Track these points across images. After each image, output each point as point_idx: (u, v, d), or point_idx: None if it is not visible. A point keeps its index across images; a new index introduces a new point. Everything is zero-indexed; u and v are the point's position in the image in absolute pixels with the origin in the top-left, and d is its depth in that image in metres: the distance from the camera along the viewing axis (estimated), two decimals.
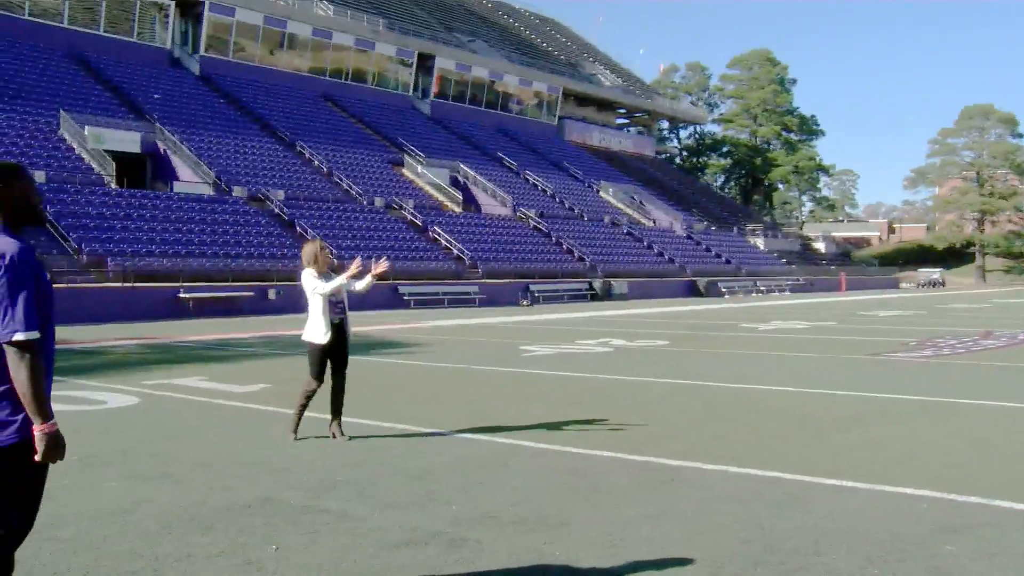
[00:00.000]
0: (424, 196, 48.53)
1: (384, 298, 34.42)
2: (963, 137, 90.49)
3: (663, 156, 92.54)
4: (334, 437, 7.71)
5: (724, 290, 51.80)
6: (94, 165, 36.12)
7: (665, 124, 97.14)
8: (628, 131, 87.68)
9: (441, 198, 49.44)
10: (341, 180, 45.32)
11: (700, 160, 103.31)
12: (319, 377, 7.72)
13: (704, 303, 41.46)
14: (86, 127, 37.46)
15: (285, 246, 35.34)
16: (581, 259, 47.82)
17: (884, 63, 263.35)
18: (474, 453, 7.16)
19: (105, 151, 36.97)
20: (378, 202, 44.13)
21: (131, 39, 48.60)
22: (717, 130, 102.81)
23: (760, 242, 69.01)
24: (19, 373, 3.07)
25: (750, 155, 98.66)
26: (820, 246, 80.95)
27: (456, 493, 5.85)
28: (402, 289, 35.58)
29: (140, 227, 32.16)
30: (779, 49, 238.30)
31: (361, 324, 24.31)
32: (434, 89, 63.83)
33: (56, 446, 3.13)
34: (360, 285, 7.87)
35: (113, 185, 35.63)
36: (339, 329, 7.72)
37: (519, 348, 16.95)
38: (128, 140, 39.08)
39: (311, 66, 56.60)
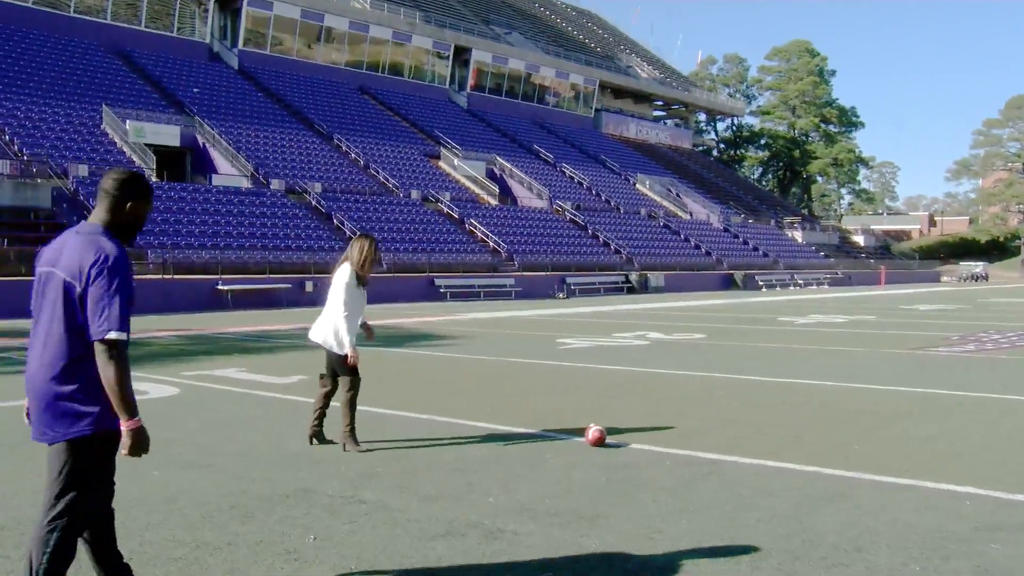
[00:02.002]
0: (460, 189, 48.61)
1: (420, 291, 34.57)
2: (1009, 128, 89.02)
3: (700, 148, 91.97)
4: (342, 446, 7.08)
5: (761, 283, 51.40)
6: (135, 158, 36.56)
7: (702, 116, 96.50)
8: (665, 123, 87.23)
9: (477, 191, 49.50)
10: (378, 173, 45.51)
11: (737, 152, 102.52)
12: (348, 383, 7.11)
13: (741, 296, 41.16)
14: (127, 121, 37.95)
15: (322, 239, 35.58)
16: (617, 252, 47.67)
17: (926, 53, 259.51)
18: (512, 446, 7.17)
19: (146, 144, 37.40)
20: (415, 195, 44.27)
21: (171, 34, 49.16)
22: (755, 122, 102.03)
23: (798, 235, 68.38)
24: (108, 370, 3.22)
25: (788, 147, 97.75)
26: (859, 239, 80.00)
27: (494, 485, 5.86)
28: (438, 282, 35.68)
29: (179, 219, 32.54)
30: (818, 40, 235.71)
31: (397, 316, 24.42)
32: (470, 82, 63.89)
33: (142, 441, 3.30)
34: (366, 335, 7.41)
35: (153, 178, 36.05)
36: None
37: (556, 341, 16.93)
38: (168, 134, 39.53)
39: (348, 59, 56.89)
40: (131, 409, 3.26)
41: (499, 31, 69.46)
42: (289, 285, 31.00)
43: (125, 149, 37.09)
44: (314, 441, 7.21)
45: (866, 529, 4.88)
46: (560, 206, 51.02)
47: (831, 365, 13.10)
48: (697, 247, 54.41)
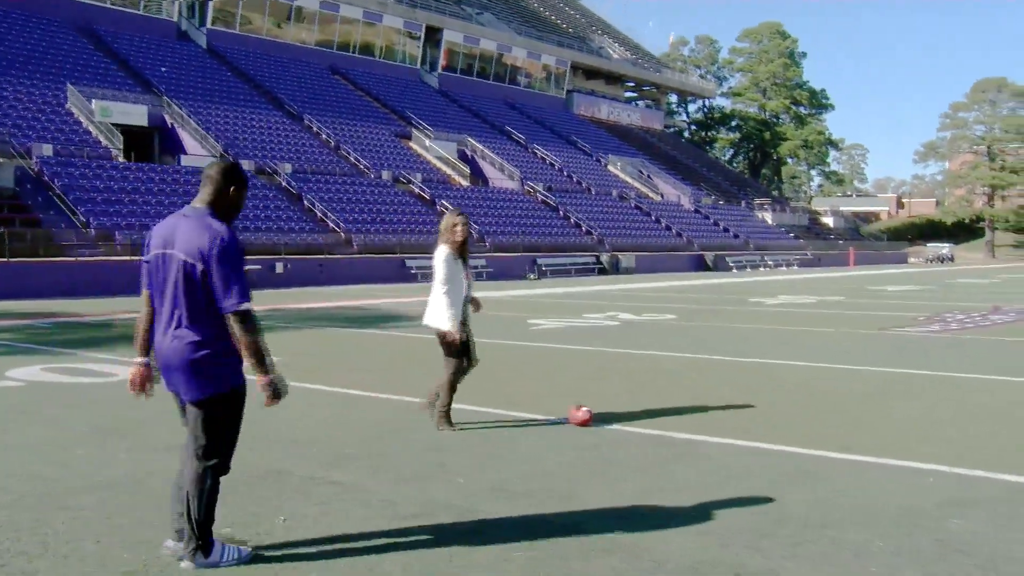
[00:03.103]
0: (432, 170, 48.44)
1: (392, 272, 34.47)
2: (975, 111, 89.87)
3: (672, 130, 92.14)
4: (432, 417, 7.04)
5: (732, 264, 51.71)
6: (101, 138, 36.10)
7: (674, 97, 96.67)
8: (637, 104, 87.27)
9: (449, 172, 49.35)
10: (349, 153, 45.24)
11: (709, 134, 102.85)
12: (457, 356, 6.93)
13: (712, 277, 41.40)
14: (93, 100, 37.40)
15: (292, 220, 35.36)
16: (589, 233, 47.76)
17: (895, 37, 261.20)
18: (486, 427, 7.19)
19: (112, 124, 36.91)
20: (386, 175, 44.08)
21: (138, 12, 48.47)
22: (726, 104, 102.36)
23: (768, 216, 68.81)
24: (245, 337, 3.80)
25: (759, 129, 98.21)
26: (829, 220, 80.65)
27: (467, 466, 5.89)
28: (409, 263, 35.59)
29: (148, 200, 32.17)
30: (789, 22, 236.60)
31: (369, 297, 24.36)
32: (442, 62, 63.55)
33: (279, 390, 3.94)
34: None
35: (120, 159, 35.61)
36: (464, 324, 6.94)
37: (527, 322, 16.97)
38: (135, 113, 39.01)
39: (318, 39, 56.36)
40: (267, 366, 3.84)
41: (471, 11, 69.08)
42: (259, 266, 30.77)
43: (91, 129, 36.61)
44: (443, 427, 6.94)
45: (833, 507, 4.95)
46: (532, 187, 51.00)
47: (800, 345, 13.23)
48: (668, 228, 54.61)
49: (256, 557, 4.12)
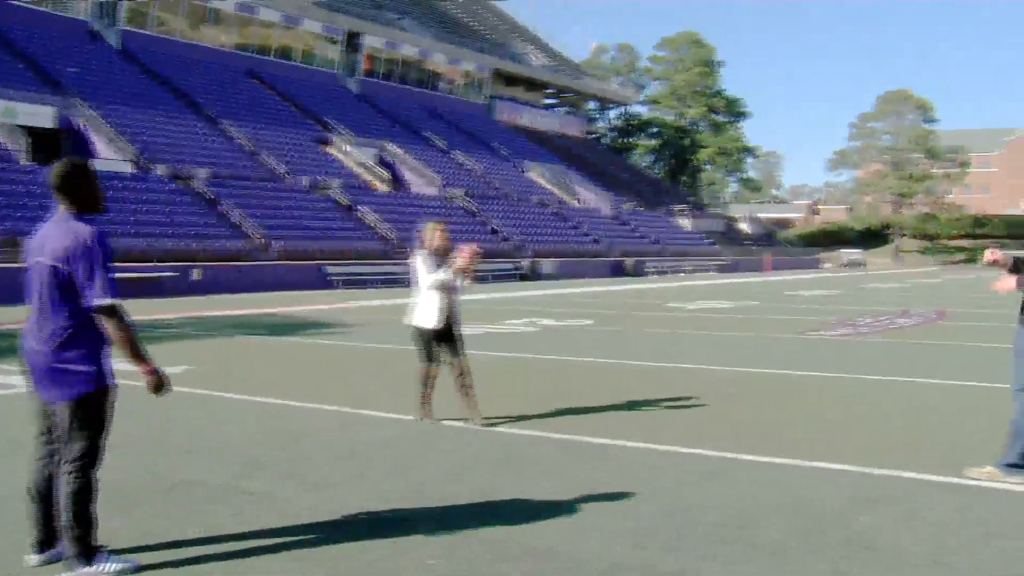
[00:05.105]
0: (351, 175, 48.03)
1: (310, 279, 34.05)
2: (882, 121, 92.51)
3: (592, 136, 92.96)
4: (468, 421, 7.38)
5: (651, 270, 52.37)
6: (4, 140, 34.93)
7: (594, 104, 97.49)
8: (557, 111, 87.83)
9: (369, 177, 48.99)
10: (267, 159, 44.58)
11: (628, 141, 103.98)
12: (429, 359, 7.51)
13: (631, 283, 41.87)
14: None
15: (209, 226, 34.69)
16: (509, 239, 47.87)
17: (809, 48, 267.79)
18: (403, 432, 7.16)
19: (17, 126, 35.75)
20: (304, 181, 43.53)
21: (48, 10, 47.04)
22: (645, 111, 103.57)
23: (686, 223, 69.81)
24: (116, 332, 3.87)
25: (678, 136, 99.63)
26: (745, 227, 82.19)
27: (385, 471, 5.84)
28: (328, 269, 35.22)
29: (55, 204, 31.13)
30: (708, 31, 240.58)
31: (286, 304, 24.03)
32: (362, 67, 63.08)
33: (160, 381, 4.02)
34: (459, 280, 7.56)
35: (25, 161, 34.51)
36: (448, 314, 7.47)
37: None
38: (42, 115, 37.83)
39: (236, 42, 55.46)
40: (143, 358, 3.91)
41: (392, 16, 68.74)
42: (175, 273, 30.13)
43: None
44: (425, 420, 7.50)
45: (747, 507, 5.04)
46: (452, 193, 50.92)
47: (716, 349, 13.45)
48: (588, 234, 55.05)
49: (162, 568, 4.02)
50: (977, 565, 4.14)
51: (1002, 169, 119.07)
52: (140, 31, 50.38)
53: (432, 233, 7.48)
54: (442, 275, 7.32)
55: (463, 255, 7.34)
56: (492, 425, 7.31)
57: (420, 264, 7.43)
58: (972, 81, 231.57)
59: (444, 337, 7.50)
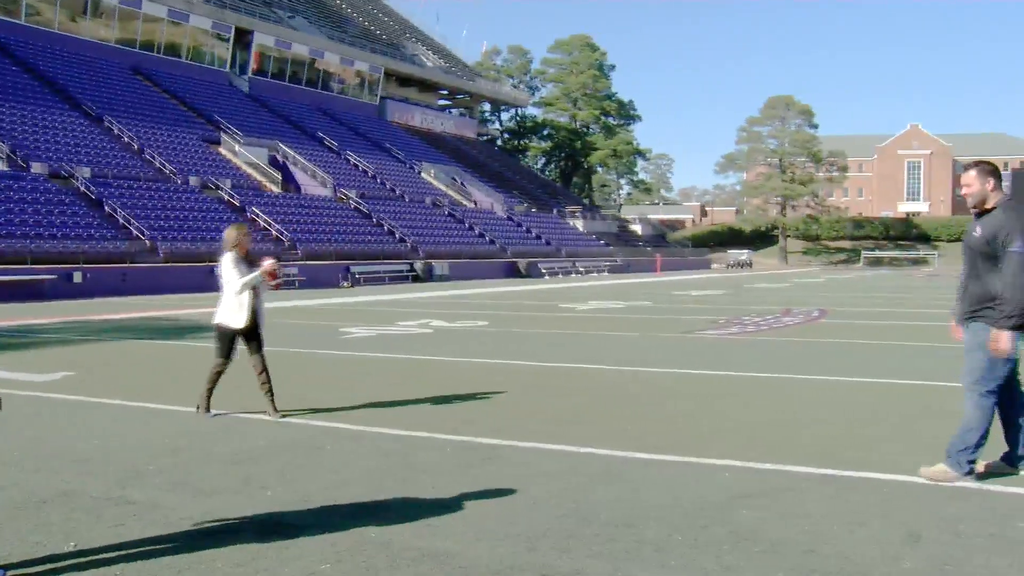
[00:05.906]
0: (242, 176, 47.05)
1: (198, 281, 33.16)
2: (767, 126, 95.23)
3: (485, 138, 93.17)
4: (268, 415, 7.77)
5: (544, 271, 52.79)
6: None
7: (487, 106, 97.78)
8: (450, 112, 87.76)
9: (260, 178, 48.08)
10: (153, 158, 43.30)
11: (521, 143, 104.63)
12: (227, 356, 7.88)
13: (524, 284, 42.12)
14: None
15: (92, 227, 33.49)
16: (402, 240, 47.62)
17: (698, 52, 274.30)
18: (292, 437, 7.04)
19: None
20: (193, 181, 42.45)
21: None
22: (538, 113, 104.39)
23: (579, 224, 70.63)
24: None
25: (570, 138, 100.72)
26: (637, 228, 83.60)
27: (273, 478, 5.74)
28: (218, 271, 34.37)
29: None
30: (599, 35, 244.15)
31: (174, 307, 23.39)
32: (253, 66, 61.84)
33: None
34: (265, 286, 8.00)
35: None
36: (254, 314, 7.86)
37: (339, 330, 16.74)
38: None
39: (119, 37, 53.62)
40: None
41: (282, 14, 67.62)
42: (55, 276, 29.00)
43: None
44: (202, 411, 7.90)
45: (636, 505, 5.12)
46: (344, 194, 50.39)
47: (607, 349, 13.64)
48: (482, 235, 55.18)
49: None
50: (846, 553, 4.31)
51: (875, 173, 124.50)
52: (10, 20, 48.04)
53: (237, 235, 7.87)
54: (251, 277, 7.68)
55: (268, 262, 7.83)
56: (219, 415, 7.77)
57: (227, 266, 7.76)
58: (849, 88, 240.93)
59: (249, 336, 7.87)
